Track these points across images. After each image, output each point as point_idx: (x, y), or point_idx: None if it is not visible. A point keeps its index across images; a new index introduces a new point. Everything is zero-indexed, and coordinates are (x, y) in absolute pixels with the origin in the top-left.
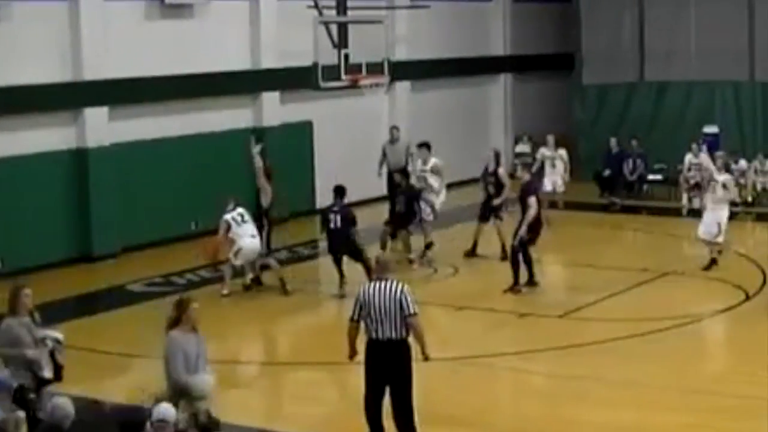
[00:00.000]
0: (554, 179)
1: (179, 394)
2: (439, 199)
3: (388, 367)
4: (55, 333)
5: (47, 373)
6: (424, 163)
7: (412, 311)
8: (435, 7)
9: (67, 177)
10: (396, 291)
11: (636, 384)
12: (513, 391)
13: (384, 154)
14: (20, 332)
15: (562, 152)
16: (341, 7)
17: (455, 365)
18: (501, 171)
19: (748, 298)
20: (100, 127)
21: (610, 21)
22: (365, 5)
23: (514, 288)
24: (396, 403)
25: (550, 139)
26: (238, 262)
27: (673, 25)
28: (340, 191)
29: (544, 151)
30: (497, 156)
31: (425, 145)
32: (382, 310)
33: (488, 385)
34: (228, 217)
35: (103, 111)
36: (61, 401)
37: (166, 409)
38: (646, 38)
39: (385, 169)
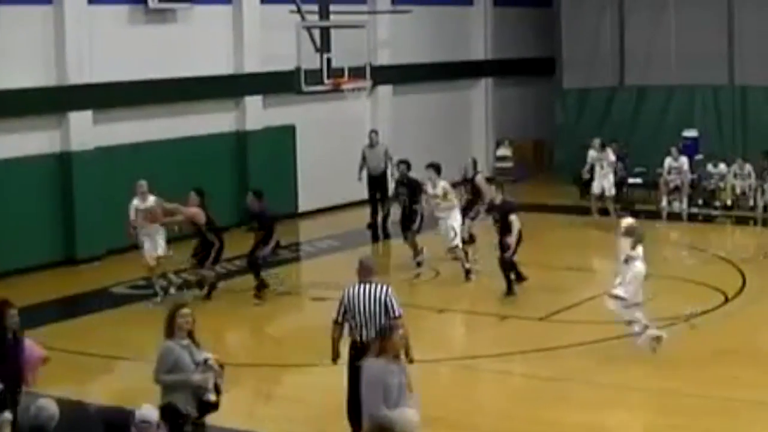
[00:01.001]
0: (603, 183)
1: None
2: (457, 223)
3: None
4: (210, 354)
5: (212, 397)
6: (434, 187)
7: (397, 314)
8: (416, 12)
9: (52, 180)
10: (381, 294)
11: (617, 386)
12: (495, 392)
13: (363, 158)
14: (182, 355)
15: (609, 152)
16: (324, 11)
17: (437, 367)
18: (478, 178)
19: (727, 300)
20: (85, 131)
21: (590, 26)
22: (347, 10)
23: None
24: None
25: (596, 141)
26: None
27: (652, 29)
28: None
29: (592, 153)
30: (475, 164)
31: (433, 167)
32: (367, 313)
33: (470, 386)
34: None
35: (87, 115)
36: (45, 402)
37: (149, 411)
38: (626, 43)
39: (365, 173)
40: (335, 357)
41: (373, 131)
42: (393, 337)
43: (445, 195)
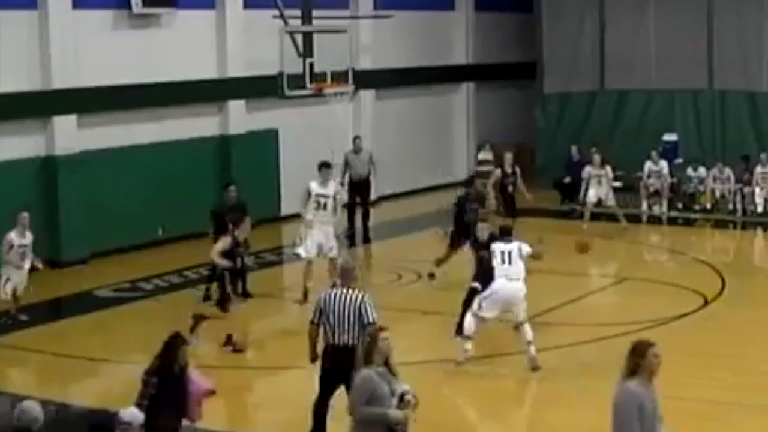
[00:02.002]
0: (599, 192)
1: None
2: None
3: (344, 372)
4: (406, 386)
5: None
6: (324, 187)
7: (371, 320)
8: (398, 17)
9: (37, 184)
10: (356, 300)
11: (598, 388)
12: (478, 393)
13: (346, 164)
14: (380, 385)
15: (608, 169)
16: (306, 16)
17: (421, 369)
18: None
19: (707, 303)
20: (69, 135)
21: (571, 31)
22: (330, 15)
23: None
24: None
25: (597, 158)
26: None
27: (633, 34)
28: None
29: (590, 170)
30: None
31: (326, 165)
32: (341, 317)
33: (453, 388)
34: None
35: (71, 119)
36: (28, 405)
37: (132, 413)
38: (606, 47)
39: (347, 179)
40: (312, 357)
41: (358, 137)
42: (378, 345)
43: (335, 197)
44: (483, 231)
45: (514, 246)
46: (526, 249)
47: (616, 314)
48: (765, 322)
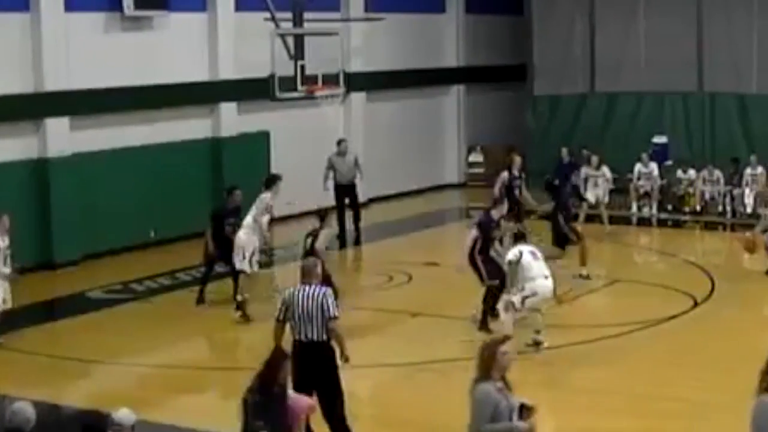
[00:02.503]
0: (597, 192)
1: None
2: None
3: (312, 367)
4: (524, 399)
5: None
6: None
7: (332, 315)
8: (389, 20)
9: (29, 186)
10: (319, 295)
11: (588, 389)
12: (467, 395)
13: (331, 167)
14: (500, 401)
15: (605, 170)
16: (297, 19)
17: (410, 371)
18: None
19: (696, 304)
20: (61, 137)
21: (561, 33)
22: (321, 18)
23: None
24: (325, 405)
25: (594, 159)
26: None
27: (623, 37)
28: None
29: (587, 171)
30: None
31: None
32: (306, 313)
33: (443, 390)
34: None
35: (64, 121)
36: (21, 405)
37: (124, 414)
38: (596, 50)
39: (331, 183)
40: None
41: (343, 140)
42: (498, 359)
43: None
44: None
45: (533, 247)
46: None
47: (607, 316)
48: (754, 323)
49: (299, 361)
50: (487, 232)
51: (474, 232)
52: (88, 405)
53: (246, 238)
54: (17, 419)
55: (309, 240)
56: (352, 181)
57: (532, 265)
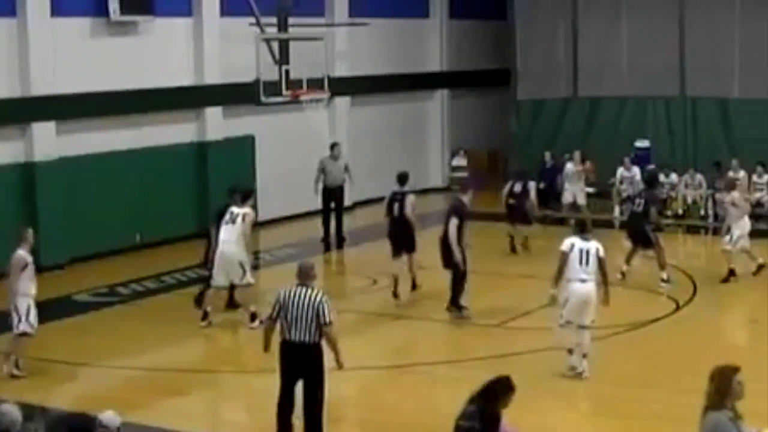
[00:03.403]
0: (575, 190)
1: None
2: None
3: (299, 368)
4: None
5: None
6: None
7: (328, 320)
8: (373, 25)
9: (16, 190)
10: (315, 299)
11: (569, 391)
12: (450, 397)
13: (323, 171)
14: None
15: (588, 166)
16: (282, 24)
17: (394, 373)
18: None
19: (678, 308)
20: (48, 142)
21: (544, 38)
22: (306, 23)
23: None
24: (305, 405)
25: (577, 155)
26: None
27: (605, 42)
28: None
29: (570, 167)
30: None
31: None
32: (298, 314)
33: (427, 392)
34: None
35: (50, 126)
36: (7, 408)
37: (110, 416)
38: (579, 55)
39: (320, 186)
40: (265, 347)
41: (337, 144)
42: (733, 388)
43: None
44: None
45: (592, 245)
46: (602, 251)
47: None
48: (736, 326)
49: (286, 360)
50: (462, 218)
51: (455, 220)
52: (74, 407)
53: (240, 251)
54: (4, 421)
55: (396, 205)
56: (341, 185)
57: (573, 264)
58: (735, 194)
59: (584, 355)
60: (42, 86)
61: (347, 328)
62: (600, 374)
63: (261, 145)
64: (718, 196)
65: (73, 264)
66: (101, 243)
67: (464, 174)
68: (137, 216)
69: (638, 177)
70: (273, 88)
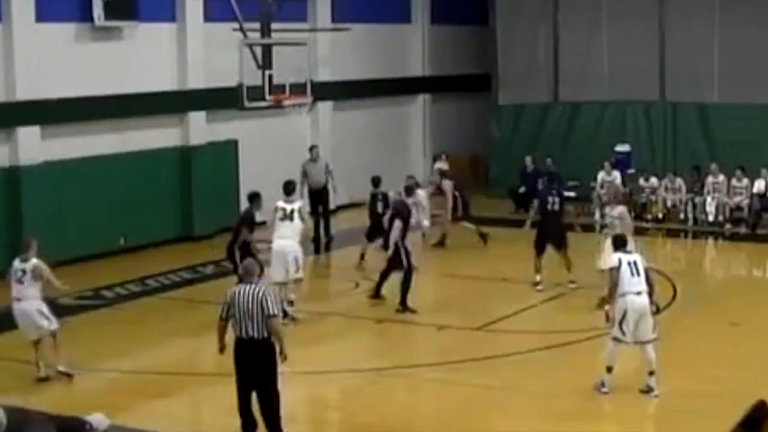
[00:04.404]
0: None
1: None
2: None
3: (252, 364)
4: None
5: None
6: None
7: (271, 312)
8: (356, 30)
9: (1, 193)
10: (258, 293)
11: (549, 394)
12: (432, 400)
13: (305, 174)
14: None
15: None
16: (265, 29)
17: (376, 376)
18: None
19: (658, 311)
20: (33, 146)
21: (525, 43)
22: (289, 28)
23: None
24: (261, 401)
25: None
26: None
27: (586, 47)
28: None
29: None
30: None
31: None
32: (245, 311)
33: (408, 395)
34: None
35: (35, 130)
36: None
37: (99, 418)
38: (560, 60)
39: (305, 189)
40: (220, 349)
41: (315, 146)
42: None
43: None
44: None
45: (636, 257)
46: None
47: (569, 322)
48: (716, 329)
49: (240, 357)
50: (407, 219)
51: (398, 222)
52: (60, 410)
53: (297, 246)
54: None
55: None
56: (324, 186)
57: (625, 277)
58: (621, 208)
59: (651, 373)
60: (27, 91)
61: (328, 330)
62: (580, 377)
63: (244, 149)
64: (607, 209)
65: (58, 267)
66: (86, 246)
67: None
68: (122, 220)
69: (619, 181)
70: (256, 92)
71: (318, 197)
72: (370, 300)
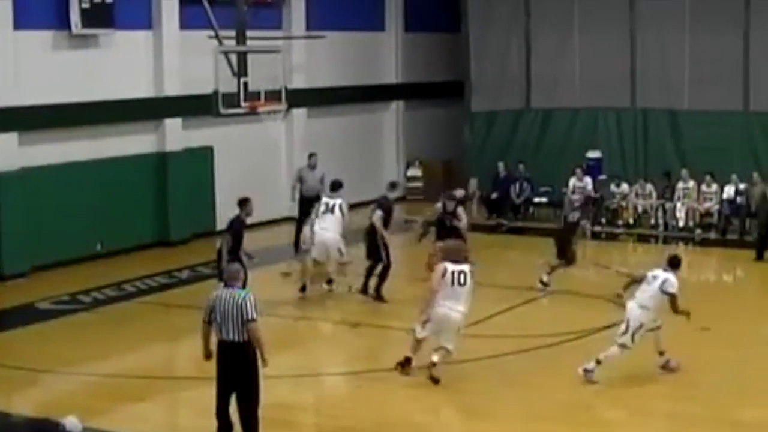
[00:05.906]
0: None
1: None
2: None
3: (232, 367)
4: None
5: None
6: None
7: (250, 317)
8: (330, 38)
9: None
10: (238, 298)
11: (524, 398)
12: (406, 403)
13: (300, 180)
14: None
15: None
16: (240, 37)
17: (353, 380)
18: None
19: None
20: (10, 152)
21: (498, 50)
22: (263, 35)
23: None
24: (239, 404)
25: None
26: None
27: (558, 54)
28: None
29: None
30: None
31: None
32: (226, 314)
33: (385, 398)
34: None
35: (12, 136)
36: None
37: (72, 422)
38: (532, 67)
39: (297, 194)
40: (205, 354)
41: (314, 154)
42: None
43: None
44: None
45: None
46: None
47: (543, 326)
48: (687, 333)
49: (221, 360)
50: (389, 213)
51: (379, 212)
52: (37, 413)
53: (338, 239)
54: None
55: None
56: (317, 194)
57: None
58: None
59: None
60: (4, 98)
61: (304, 334)
62: (553, 380)
63: (219, 155)
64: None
65: (36, 272)
66: (63, 252)
67: (419, 184)
68: (98, 225)
69: (590, 187)
70: (231, 99)
71: (310, 205)
72: (360, 295)
